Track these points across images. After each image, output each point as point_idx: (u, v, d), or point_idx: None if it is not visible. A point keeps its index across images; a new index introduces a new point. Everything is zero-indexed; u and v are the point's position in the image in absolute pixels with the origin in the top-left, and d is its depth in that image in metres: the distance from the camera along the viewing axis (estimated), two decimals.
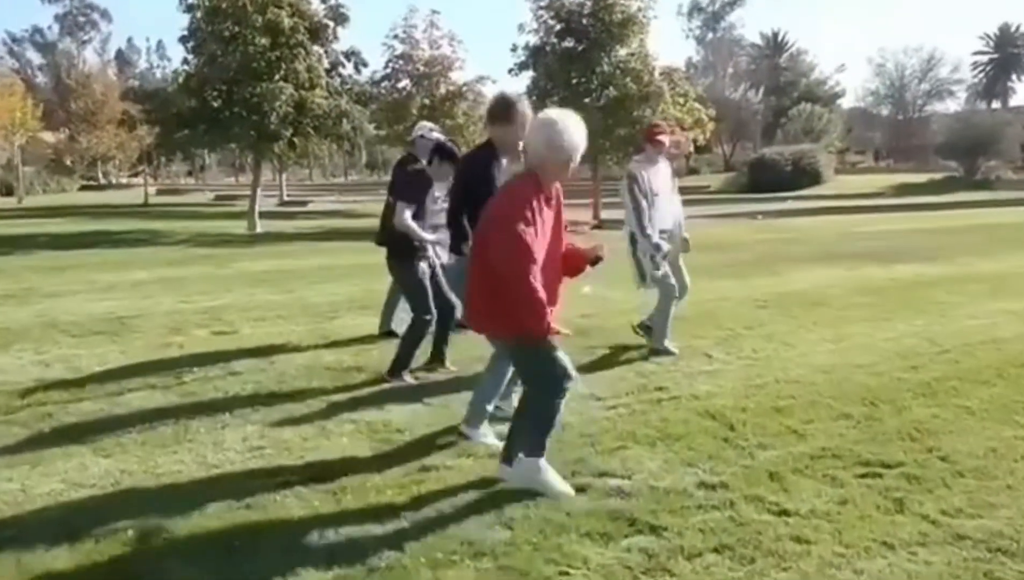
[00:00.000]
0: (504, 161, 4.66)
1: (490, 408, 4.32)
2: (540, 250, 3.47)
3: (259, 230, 19.77)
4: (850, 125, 64.61)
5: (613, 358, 6.13)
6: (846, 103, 67.53)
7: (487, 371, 4.36)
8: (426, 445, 4.28)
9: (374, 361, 5.92)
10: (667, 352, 6.08)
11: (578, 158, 3.60)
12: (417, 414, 4.83)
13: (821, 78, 65.32)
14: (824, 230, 19.46)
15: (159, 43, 77.17)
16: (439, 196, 5.78)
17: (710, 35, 70.54)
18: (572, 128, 3.53)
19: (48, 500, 3.63)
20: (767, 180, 37.82)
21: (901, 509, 3.45)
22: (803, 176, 38.95)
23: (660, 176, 6.16)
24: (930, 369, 5.68)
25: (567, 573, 2.96)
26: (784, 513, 3.43)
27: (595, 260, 3.81)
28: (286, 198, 37.58)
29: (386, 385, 5.40)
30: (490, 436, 4.25)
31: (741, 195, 37.11)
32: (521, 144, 4.20)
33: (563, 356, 3.62)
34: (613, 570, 2.97)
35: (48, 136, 48.38)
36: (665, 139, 6.21)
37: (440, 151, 5.66)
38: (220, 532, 3.30)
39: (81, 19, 73.33)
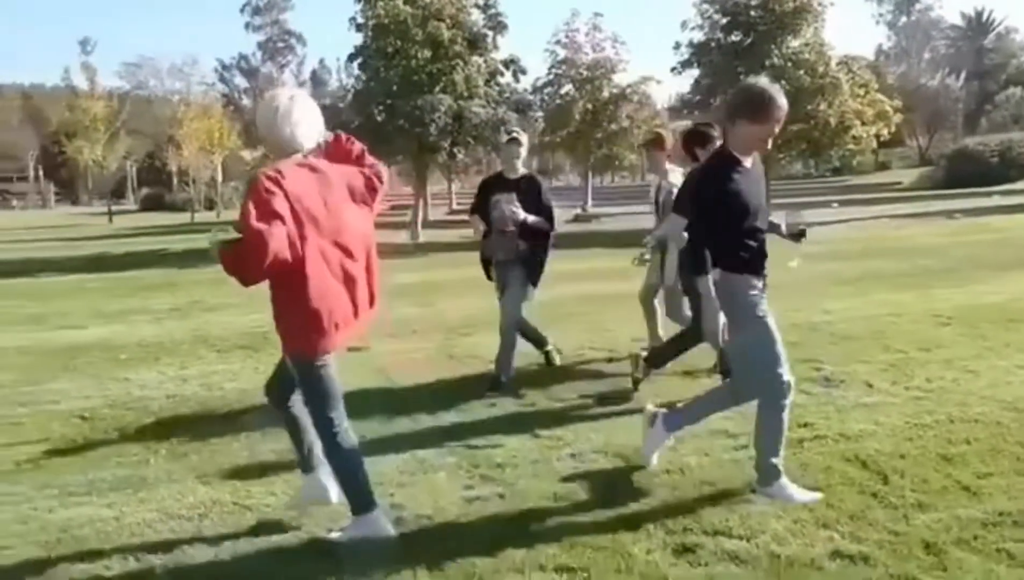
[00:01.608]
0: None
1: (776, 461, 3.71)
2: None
3: (422, 240, 20.22)
4: None
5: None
6: None
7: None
8: (526, 488, 3.90)
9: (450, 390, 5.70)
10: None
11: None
12: (525, 447, 4.46)
13: None
14: None
15: (347, 62, 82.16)
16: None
17: (903, 19, 65.26)
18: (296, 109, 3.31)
19: (135, 531, 3.59)
20: (969, 174, 34.10)
21: None
22: (1012, 168, 34.84)
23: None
24: None
25: None
26: None
27: (799, 234, 3.93)
28: (456, 206, 38.49)
29: (496, 410, 5.09)
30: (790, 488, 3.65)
31: (938, 191, 33.78)
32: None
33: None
34: None
35: (246, 154, 52.60)
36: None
37: None
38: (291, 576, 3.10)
39: (280, 44, 79.25)
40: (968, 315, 7.48)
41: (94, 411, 5.58)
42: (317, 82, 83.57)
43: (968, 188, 31.62)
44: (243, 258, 3.07)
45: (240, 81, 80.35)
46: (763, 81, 3.66)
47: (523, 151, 5.83)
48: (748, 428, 4.56)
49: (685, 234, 3.84)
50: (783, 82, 19.78)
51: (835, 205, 22.03)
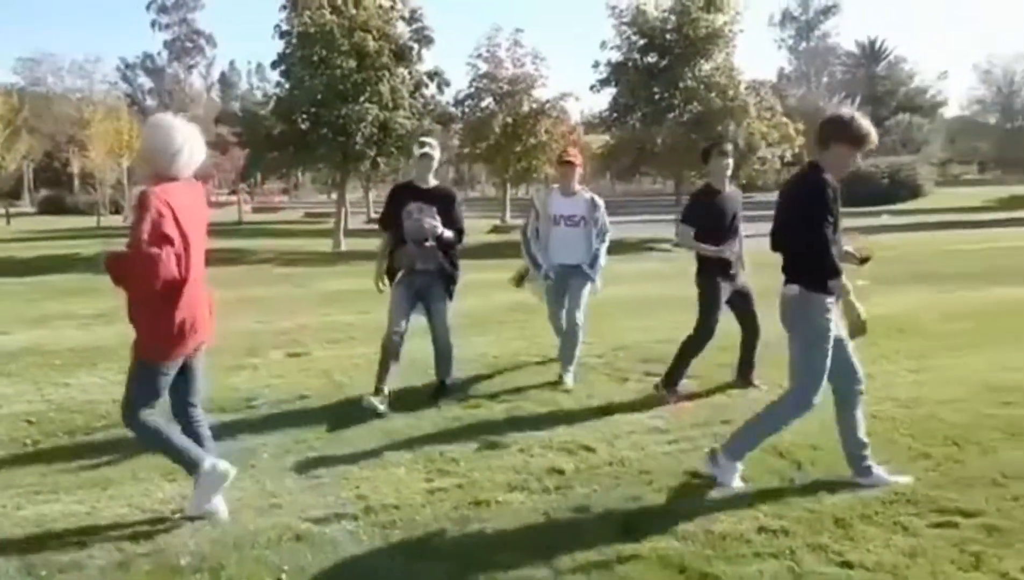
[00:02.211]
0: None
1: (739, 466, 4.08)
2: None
3: (344, 248, 20.26)
4: (953, 135, 61.82)
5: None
6: (949, 112, 64.75)
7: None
8: (481, 479, 4.23)
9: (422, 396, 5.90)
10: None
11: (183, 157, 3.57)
12: (475, 447, 4.79)
13: (922, 87, 62.88)
14: (919, 247, 18.55)
15: (259, 65, 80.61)
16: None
17: (803, 44, 68.80)
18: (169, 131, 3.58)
19: (111, 524, 3.74)
20: (861, 194, 36.17)
21: (978, 565, 3.20)
22: (901, 189, 37.41)
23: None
24: None
25: None
26: (847, 565, 3.23)
27: (864, 259, 4.30)
28: (373, 215, 38.45)
29: (445, 412, 5.40)
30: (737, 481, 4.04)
31: None
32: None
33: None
34: None
35: None
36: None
37: None
38: (269, 565, 3.33)
39: (188, 45, 76.98)
40: None
41: (40, 415, 5.61)
42: (226, 85, 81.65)
43: (860, 207, 33.69)
44: (134, 277, 3.42)
45: (144, 81, 77.75)
46: (856, 112, 4.05)
47: (435, 164, 5.72)
48: (679, 424, 5.07)
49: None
50: (695, 104, 20.84)
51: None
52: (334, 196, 24.71)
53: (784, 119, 21.33)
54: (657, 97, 20.93)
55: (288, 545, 3.51)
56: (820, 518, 3.65)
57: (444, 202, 5.69)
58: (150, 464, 4.50)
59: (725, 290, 5.77)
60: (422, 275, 5.68)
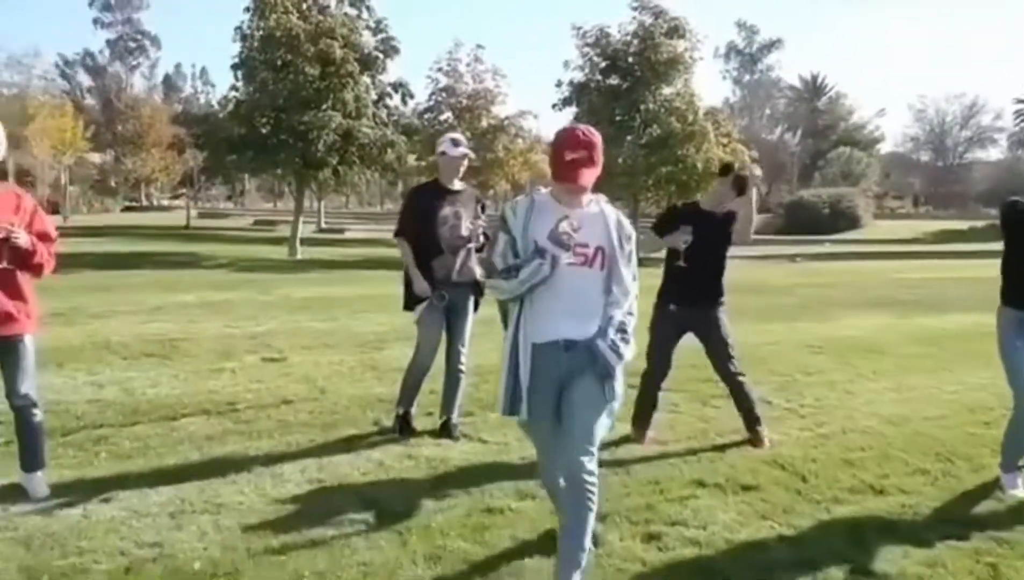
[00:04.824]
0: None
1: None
2: None
3: (300, 257, 19.93)
4: (888, 170, 64.14)
5: (666, 399, 5.94)
6: (884, 148, 67.19)
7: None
8: (487, 485, 4.16)
9: (424, 396, 5.67)
10: None
11: None
12: (476, 452, 4.73)
13: (860, 122, 65.02)
14: (865, 275, 19.14)
15: (203, 69, 79.16)
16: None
17: (747, 76, 70.65)
18: None
19: (110, 528, 3.56)
20: (804, 222, 37.52)
21: (996, 575, 3.28)
22: (841, 219, 38.63)
23: None
24: (1003, 426, 5.44)
25: None
26: (870, 574, 3.26)
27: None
28: (324, 225, 37.94)
29: (439, 419, 5.29)
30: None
31: (777, 236, 36.78)
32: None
33: None
34: None
35: (95, 157, 49.49)
36: None
37: None
38: (290, 571, 3.21)
39: (132, 45, 75.01)
40: (835, 346, 8.42)
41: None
42: (170, 87, 79.83)
43: (803, 235, 34.69)
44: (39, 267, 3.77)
45: (83, 79, 75.47)
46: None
47: (466, 163, 5.02)
48: (675, 434, 5.07)
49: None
50: (655, 127, 21.17)
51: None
52: (280, 204, 24.26)
53: (741, 146, 21.85)
54: (618, 118, 21.20)
55: (304, 551, 3.38)
56: (834, 528, 3.70)
57: (474, 206, 4.99)
58: (136, 467, 4.33)
59: (678, 321, 4.89)
60: (457, 289, 4.90)
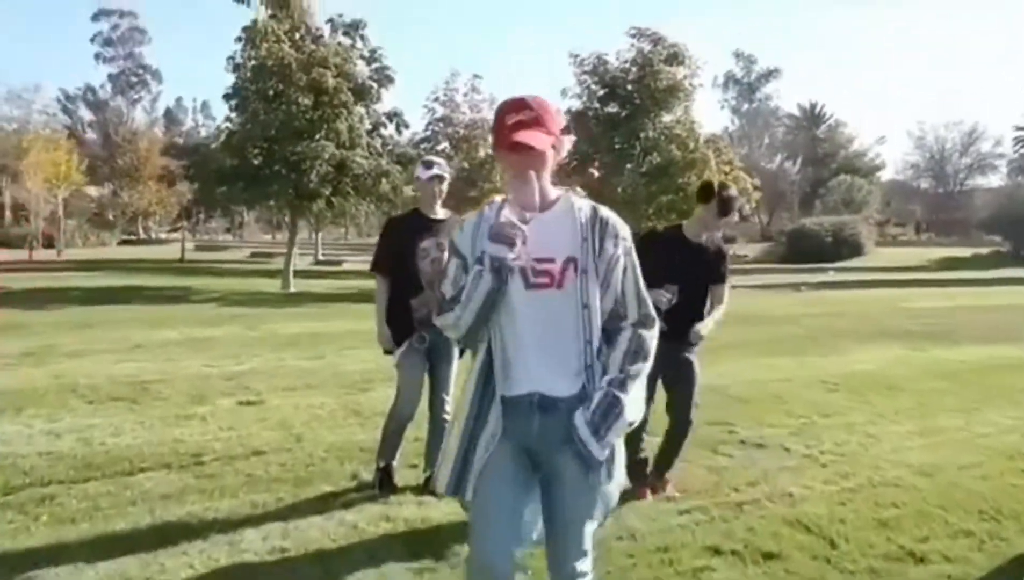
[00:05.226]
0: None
1: None
2: None
3: (292, 290, 19.47)
4: (889, 197, 63.92)
5: (652, 445, 5.43)
6: (885, 175, 67.01)
7: None
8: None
9: (410, 443, 4.99)
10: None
11: None
12: (459, 512, 4.20)
13: (860, 150, 64.87)
14: (872, 304, 18.63)
15: (204, 103, 79.51)
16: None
17: (746, 105, 70.67)
18: None
19: None
20: (807, 250, 37.10)
21: None
22: (844, 247, 38.21)
23: None
24: None
25: None
26: None
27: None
28: (321, 257, 37.53)
29: (424, 474, 4.78)
30: None
31: (780, 265, 36.37)
32: None
33: None
34: None
35: (92, 190, 49.30)
36: None
37: None
38: None
39: (133, 79, 75.24)
40: (850, 382, 7.91)
41: None
42: (171, 121, 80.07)
43: (806, 263, 34.28)
44: None
45: (85, 113, 75.62)
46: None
47: (446, 187, 4.53)
48: (684, 489, 4.56)
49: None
50: (655, 154, 20.81)
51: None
52: (279, 236, 23.89)
53: (743, 174, 21.45)
54: (618, 147, 20.84)
55: None
56: None
57: None
58: (78, 534, 3.83)
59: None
60: (439, 331, 4.51)
